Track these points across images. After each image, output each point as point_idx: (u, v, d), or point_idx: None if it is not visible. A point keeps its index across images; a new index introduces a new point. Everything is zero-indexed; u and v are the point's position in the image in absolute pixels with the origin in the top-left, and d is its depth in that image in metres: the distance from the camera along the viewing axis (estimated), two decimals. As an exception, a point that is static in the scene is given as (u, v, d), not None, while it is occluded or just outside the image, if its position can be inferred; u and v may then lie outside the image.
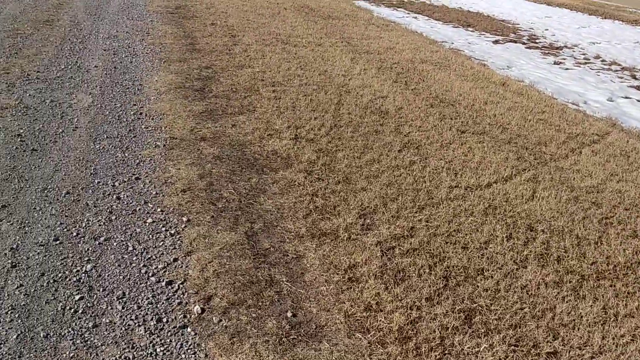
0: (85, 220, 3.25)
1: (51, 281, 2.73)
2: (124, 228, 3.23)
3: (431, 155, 4.82)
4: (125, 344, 2.41)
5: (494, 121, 6.00)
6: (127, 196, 3.56)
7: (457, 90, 7.05)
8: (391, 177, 4.24)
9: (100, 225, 3.22)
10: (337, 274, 2.99)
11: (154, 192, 3.64)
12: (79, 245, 3.02)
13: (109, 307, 2.61)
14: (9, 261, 2.83)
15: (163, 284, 2.80)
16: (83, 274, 2.80)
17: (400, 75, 7.38)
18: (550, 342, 2.67)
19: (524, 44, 12.57)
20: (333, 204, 3.72)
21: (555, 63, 10.64)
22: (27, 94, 4.90)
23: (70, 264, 2.86)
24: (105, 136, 4.37)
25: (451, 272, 3.11)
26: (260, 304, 2.72)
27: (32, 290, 2.66)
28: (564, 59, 11.13)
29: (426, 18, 14.82)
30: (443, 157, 4.82)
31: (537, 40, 13.14)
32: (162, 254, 3.03)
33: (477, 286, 3.03)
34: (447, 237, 3.49)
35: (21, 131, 4.23)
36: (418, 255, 3.23)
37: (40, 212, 3.26)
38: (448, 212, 3.81)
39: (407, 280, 2.99)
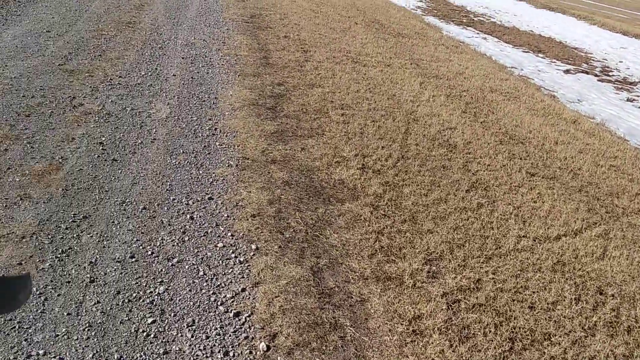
0: (160, 238, 3.37)
1: (126, 300, 2.84)
2: (196, 251, 3.32)
3: (499, 199, 4.74)
4: (193, 375, 2.48)
5: (565, 165, 5.84)
6: (199, 217, 3.66)
7: (527, 126, 6.89)
8: (458, 220, 4.19)
9: (173, 245, 3.33)
10: (402, 324, 2.98)
11: (225, 215, 3.73)
12: (153, 265, 3.13)
13: (179, 334, 2.69)
14: (88, 275, 2.96)
15: (231, 314, 2.86)
16: (156, 296, 2.90)
17: (470, 105, 7.28)
18: None
19: (596, 75, 12.16)
20: (399, 245, 3.71)
21: (628, 100, 10.26)
22: (110, 100, 5.11)
23: (144, 284, 2.97)
24: (182, 150, 4.50)
25: (517, 334, 3.05)
26: (324, 348, 2.75)
27: (108, 308, 2.77)
28: (638, 95, 10.72)
29: (496, 40, 14.55)
30: (511, 201, 4.73)
31: (610, 73, 12.69)
32: (231, 282, 3.10)
33: (544, 352, 2.96)
34: (514, 293, 3.42)
35: (103, 139, 4.41)
36: (484, 311, 3.19)
37: (118, 227, 3.40)
38: (515, 266, 3.74)
39: (472, 339, 2.95)
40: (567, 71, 12.20)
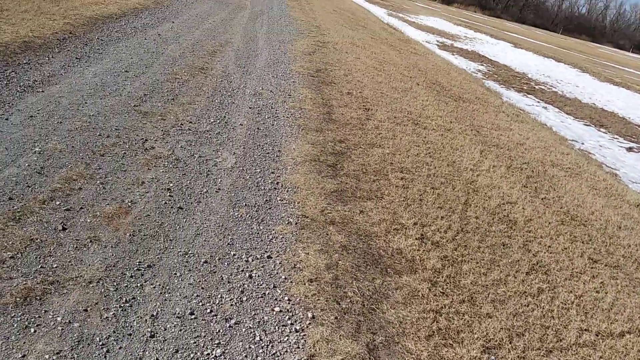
0: (219, 296, 3.38)
1: (184, 360, 2.84)
2: (253, 313, 3.31)
3: (560, 285, 4.58)
4: None
5: (629, 253, 5.63)
6: (258, 276, 3.67)
7: (589, 207, 6.70)
8: (518, 306, 4.05)
9: (232, 305, 3.33)
10: (459, 418, 2.86)
11: (283, 277, 3.72)
12: (212, 324, 3.13)
13: (233, 403, 2.66)
14: (149, 329, 2.98)
15: (285, 387, 2.82)
16: (213, 359, 2.89)
17: (530, 179, 7.15)
18: None
19: (661, 157, 11.80)
20: (457, 328, 3.60)
21: (696, 186, 9.86)
22: (179, 145, 5.26)
23: (202, 345, 2.97)
24: (244, 203, 4.56)
25: None
26: None
27: (166, 366, 2.77)
28: None
29: (557, 110, 14.39)
30: (573, 289, 4.56)
31: (677, 155, 12.29)
32: (287, 351, 3.07)
33: None
34: (577, 396, 3.25)
35: (171, 185, 4.52)
36: (545, 414, 3.03)
37: (180, 279, 3.43)
38: (578, 363, 3.57)
39: None
40: (629, 149, 11.90)
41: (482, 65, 19.35)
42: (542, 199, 6.53)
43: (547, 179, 7.39)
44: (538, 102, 14.85)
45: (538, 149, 8.89)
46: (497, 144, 8.40)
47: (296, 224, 4.46)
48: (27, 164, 4.18)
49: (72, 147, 4.65)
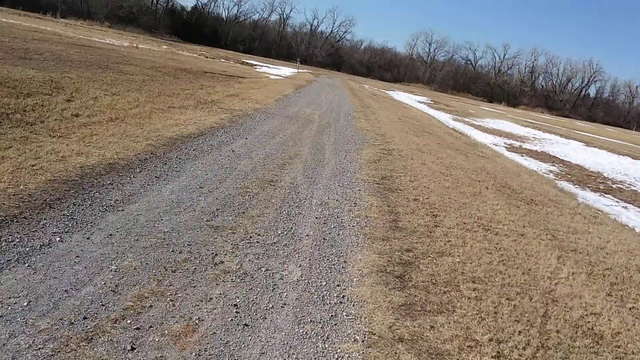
0: (283, 421, 3.26)
1: None
2: None
3: (660, 410, 4.10)
4: None
5: None
6: (323, 399, 3.53)
7: (686, 318, 6.10)
8: None
9: None
10: None
11: (350, 400, 3.56)
12: None
13: None
14: None
15: None
16: None
17: (615, 286, 6.67)
18: None
19: None
20: None
21: None
22: (247, 259, 5.36)
23: None
24: (309, 319, 4.50)
25: None
26: None
27: None
28: None
29: (638, 209, 13.66)
30: (676, 416, 4.06)
31: None
32: None
33: None
34: None
35: (237, 300, 4.56)
36: None
37: (244, 402, 3.36)
38: None
39: None
40: None
41: (553, 165, 18.96)
42: (629, 308, 6.04)
43: (633, 286, 6.87)
44: (617, 201, 14.20)
45: (621, 252, 8.36)
46: (575, 249, 7.99)
47: (363, 341, 4.32)
48: (103, 283, 4.36)
49: (146, 264, 4.84)
